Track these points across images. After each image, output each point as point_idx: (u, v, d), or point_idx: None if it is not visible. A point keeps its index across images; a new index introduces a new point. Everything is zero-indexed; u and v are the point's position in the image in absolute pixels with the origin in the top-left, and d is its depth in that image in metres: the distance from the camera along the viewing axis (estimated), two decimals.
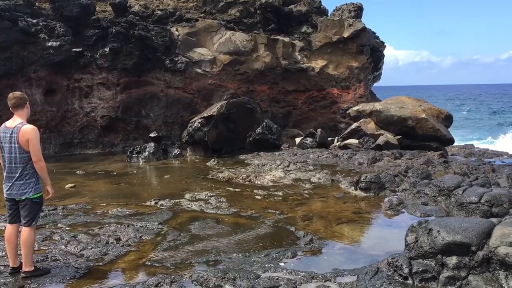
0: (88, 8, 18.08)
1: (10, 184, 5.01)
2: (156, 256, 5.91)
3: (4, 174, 5.07)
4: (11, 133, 4.95)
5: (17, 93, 5.17)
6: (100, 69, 18.20)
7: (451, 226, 4.90)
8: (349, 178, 10.42)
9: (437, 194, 8.46)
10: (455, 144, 18.25)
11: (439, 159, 12.86)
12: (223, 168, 12.88)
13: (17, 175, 4.98)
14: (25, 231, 5.06)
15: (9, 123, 5.05)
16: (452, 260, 4.70)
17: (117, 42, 18.01)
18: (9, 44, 15.89)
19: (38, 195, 5.09)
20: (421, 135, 15.81)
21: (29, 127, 4.98)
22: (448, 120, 16.71)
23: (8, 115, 5.41)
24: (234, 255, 5.85)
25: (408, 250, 5.07)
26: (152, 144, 15.71)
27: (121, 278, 5.25)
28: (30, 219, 5.05)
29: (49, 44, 16.85)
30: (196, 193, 9.62)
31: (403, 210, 8.02)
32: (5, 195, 5.10)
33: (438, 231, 4.86)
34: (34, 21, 16.88)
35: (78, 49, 17.50)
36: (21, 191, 5.00)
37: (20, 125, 4.97)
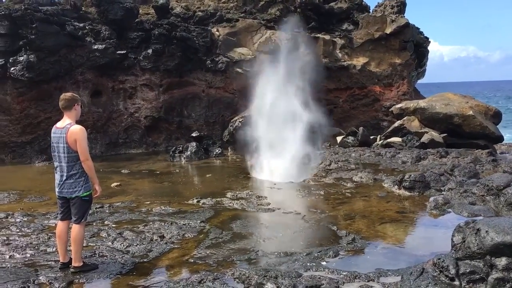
0: (132, 11, 18.54)
1: (62, 183, 5.20)
2: (199, 253, 6.00)
3: (56, 173, 5.28)
4: (61, 133, 5.15)
5: (67, 95, 5.35)
6: (144, 71, 18.62)
7: (501, 226, 4.72)
8: (392, 177, 10.22)
9: (485, 194, 8.17)
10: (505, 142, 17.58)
11: (488, 157, 12.43)
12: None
13: (68, 174, 5.17)
14: (75, 228, 5.25)
15: (60, 124, 5.25)
16: (502, 262, 4.52)
17: (160, 43, 18.37)
18: (58, 47, 16.51)
19: (88, 193, 5.27)
20: (468, 133, 15.32)
21: (77, 128, 5.15)
22: (496, 117, 16.12)
23: (58, 116, 5.63)
24: (276, 253, 5.86)
25: (454, 250, 4.92)
26: (194, 144, 15.96)
27: (165, 274, 5.36)
28: (80, 216, 5.24)
29: (95, 47, 17.38)
30: (237, 192, 9.69)
31: (449, 210, 7.79)
32: (56, 193, 5.31)
33: (486, 231, 4.69)
34: (81, 25, 17.46)
35: (122, 52, 17.97)
36: (71, 190, 5.19)
37: (68, 125, 5.16)
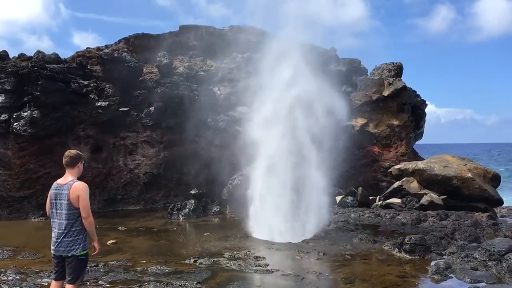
0: (136, 70, 19.02)
1: (59, 241, 5.11)
2: None
3: (53, 230, 5.20)
4: (63, 189, 5.13)
5: (73, 152, 5.36)
6: (145, 128, 18.83)
7: None
8: (392, 240, 10.11)
9: (487, 259, 8.06)
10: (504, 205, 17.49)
11: (488, 221, 12.35)
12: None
13: (66, 231, 5.10)
14: None
15: (61, 180, 5.24)
16: None
17: (162, 101, 18.69)
18: (62, 104, 16.77)
19: (85, 252, 5.17)
20: (468, 195, 15.29)
21: (80, 184, 5.16)
22: (495, 180, 16.14)
23: (58, 171, 5.65)
24: None
25: None
26: (192, 201, 15.89)
27: None
28: (75, 276, 5.11)
29: (98, 104, 17.67)
30: (235, 252, 9.54)
31: (451, 275, 7.66)
32: (52, 251, 5.20)
33: None
34: (86, 82, 17.83)
35: (125, 109, 18.25)
36: (68, 248, 5.09)
37: (71, 182, 5.16)
